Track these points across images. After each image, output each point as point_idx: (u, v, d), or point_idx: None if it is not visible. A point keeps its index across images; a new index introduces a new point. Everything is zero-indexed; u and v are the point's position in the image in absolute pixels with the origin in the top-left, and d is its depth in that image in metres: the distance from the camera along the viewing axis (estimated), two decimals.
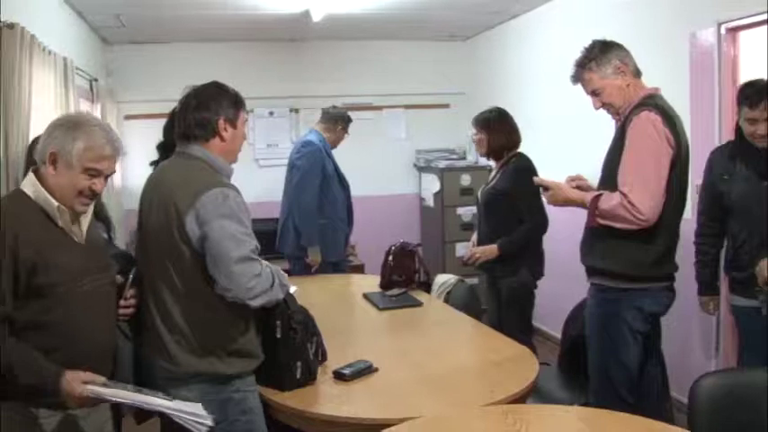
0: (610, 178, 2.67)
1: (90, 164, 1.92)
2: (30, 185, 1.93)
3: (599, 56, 2.70)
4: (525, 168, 3.78)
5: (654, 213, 2.53)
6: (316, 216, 4.61)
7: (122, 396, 1.85)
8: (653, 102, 2.64)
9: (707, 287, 3.21)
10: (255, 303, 2.16)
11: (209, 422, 1.86)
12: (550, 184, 2.82)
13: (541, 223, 3.77)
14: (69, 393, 1.81)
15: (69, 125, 1.92)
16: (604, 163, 2.75)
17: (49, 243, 1.89)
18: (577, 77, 2.78)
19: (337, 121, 4.93)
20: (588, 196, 2.68)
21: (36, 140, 2.45)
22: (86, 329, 1.94)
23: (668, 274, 2.74)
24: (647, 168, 2.54)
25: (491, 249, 3.74)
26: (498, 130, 3.87)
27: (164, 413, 1.87)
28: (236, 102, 2.36)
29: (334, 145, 4.93)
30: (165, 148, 2.93)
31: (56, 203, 1.91)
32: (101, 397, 1.84)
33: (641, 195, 2.51)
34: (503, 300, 3.76)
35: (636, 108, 2.63)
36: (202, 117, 2.27)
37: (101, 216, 2.69)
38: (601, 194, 2.64)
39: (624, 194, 2.53)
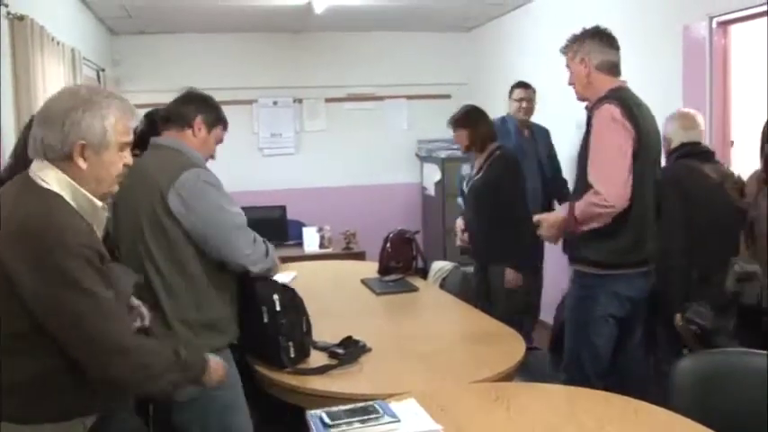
0: (582, 170, 2.78)
1: (124, 137, 1.72)
2: (59, 184, 1.65)
3: (577, 41, 2.86)
4: (508, 159, 3.94)
5: (621, 199, 2.62)
6: None
7: None
8: (615, 94, 2.72)
9: None
10: (256, 269, 2.35)
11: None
12: (537, 220, 2.91)
13: (526, 214, 3.78)
14: None
15: (83, 107, 1.66)
16: (578, 156, 2.85)
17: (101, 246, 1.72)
18: (564, 50, 2.94)
19: (510, 91, 4.84)
20: (563, 210, 2.80)
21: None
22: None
23: (645, 259, 2.81)
24: (608, 159, 2.65)
25: (513, 276, 3.81)
26: (477, 122, 3.98)
27: None
28: (220, 117, 2.54)
29: (524, 115, 4.77)
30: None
31: (99, 203, 1.71)
32: None
33: (606, 186, 2.61)
34: (492, 287, 3.88)
35: (597, 102, 2.74)
36: (184, 108, 2.46)
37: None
38: (573, 203, 2.73)
39: (594, 191, 2.63)
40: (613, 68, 2.82)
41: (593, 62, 2.80)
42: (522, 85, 4.77)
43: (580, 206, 2.69)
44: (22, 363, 1.63)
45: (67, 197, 1.65)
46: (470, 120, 3.99)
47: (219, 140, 2.56)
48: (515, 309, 3.80)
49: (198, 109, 2.45)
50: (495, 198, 3.81)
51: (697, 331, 2.89)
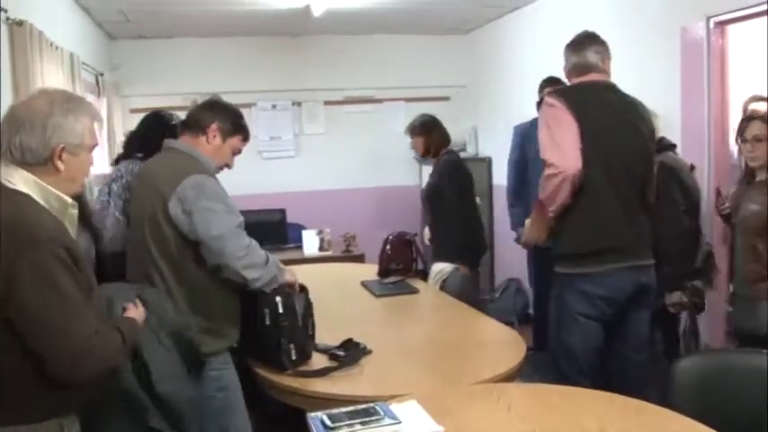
0: None
1: (95, 140, 1.81)
2: (26, 184, 1.70)
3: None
4: (451, 162, 4.18)
5: (570, 162, 2.66)
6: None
7: None
8: (561, 88, 2.89)
9: None
10: (250, 275, 2.30)
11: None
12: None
13: (465, 213, 4.09)
14: None
15: (62, 112, 1.73)
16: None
17: (75, 243, 1.75)
18: None
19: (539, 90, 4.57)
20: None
21: None
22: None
23: (615, 257, 2.75)
24: (552, 133, 2.74)
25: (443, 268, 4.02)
26: (432, 131, 4.26)
27: None
28: (238, 128, 2.51)
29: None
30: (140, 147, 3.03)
31: (69, 200, 1.77)
32: None
33: (553, 153, 2.70)
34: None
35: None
36: (201, 114, 2.45)
37: (89, 225, 2.56)
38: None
39: (546, 165, 2.71)
40: (582, 69, 2.88)
41: (568, 66, 2.94)
42: (551, 81, 4.33)
43: (541, 188, 2.77)
44: None
45: (36, 196, 1.70)
46: (425, 128, 4.27)
47: (237, 151, 2.52)
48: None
49: (215, 116, 2.44)
50: (441, 200, 4.08)
51: (693, 309, 3.25)
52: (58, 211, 1.73)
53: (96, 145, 1.83)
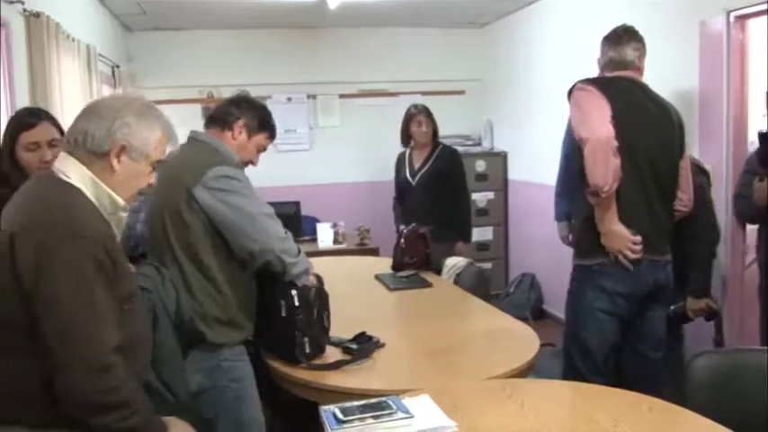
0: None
1: (159, 155, 1.75)
2: (81, 180, 1.64)
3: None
4: (454, 151, 4.63)
5: (596, 130, 2.57)
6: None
7: None
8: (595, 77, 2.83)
9: None
10: (288, 259, 2.32)
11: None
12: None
13: (468, 198, 4.70)
14: None
15: (140, 112, 1.70)
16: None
17: (118, 247, 1.70)
18: None
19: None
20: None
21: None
22: (146, 336, 1.86)
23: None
24: (581, 111, 2.68)
25: (463, 247, 4.45)
26: (432, 119, 4.51)
27: None
28: (266, 126, 2.52)
29: None
30: None
31: (122, 202, 1.70)
32: None
33: (581, 130, 2.63)
34: None
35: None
36: (228, 110, 2.47)
37: None
38: None
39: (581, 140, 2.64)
40: (618, 64, 2.84)
41: (603, 60, 2.91)
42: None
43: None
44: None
45: (88, 192, 1.64)
46: (431, 115, 4.48)
47: (262, 148, 2.54)
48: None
49: (242, 113, 2.45)
50: (442, 187, 4.39)
51: (719, 316, 3.30)
52: (107, 211, 1.67)
53: (159, 162, 1.77)
